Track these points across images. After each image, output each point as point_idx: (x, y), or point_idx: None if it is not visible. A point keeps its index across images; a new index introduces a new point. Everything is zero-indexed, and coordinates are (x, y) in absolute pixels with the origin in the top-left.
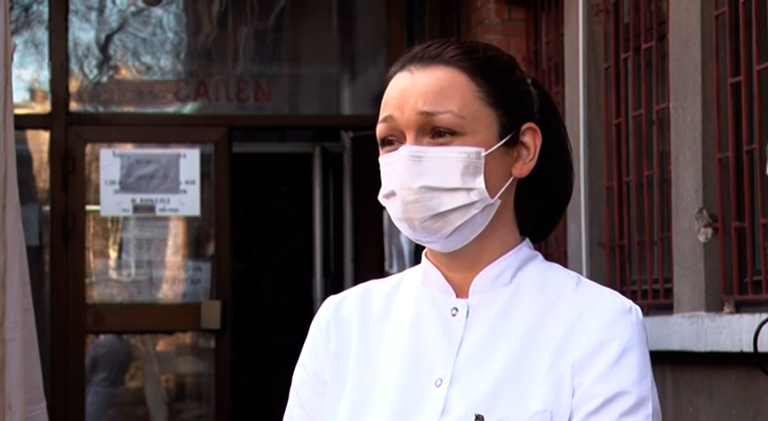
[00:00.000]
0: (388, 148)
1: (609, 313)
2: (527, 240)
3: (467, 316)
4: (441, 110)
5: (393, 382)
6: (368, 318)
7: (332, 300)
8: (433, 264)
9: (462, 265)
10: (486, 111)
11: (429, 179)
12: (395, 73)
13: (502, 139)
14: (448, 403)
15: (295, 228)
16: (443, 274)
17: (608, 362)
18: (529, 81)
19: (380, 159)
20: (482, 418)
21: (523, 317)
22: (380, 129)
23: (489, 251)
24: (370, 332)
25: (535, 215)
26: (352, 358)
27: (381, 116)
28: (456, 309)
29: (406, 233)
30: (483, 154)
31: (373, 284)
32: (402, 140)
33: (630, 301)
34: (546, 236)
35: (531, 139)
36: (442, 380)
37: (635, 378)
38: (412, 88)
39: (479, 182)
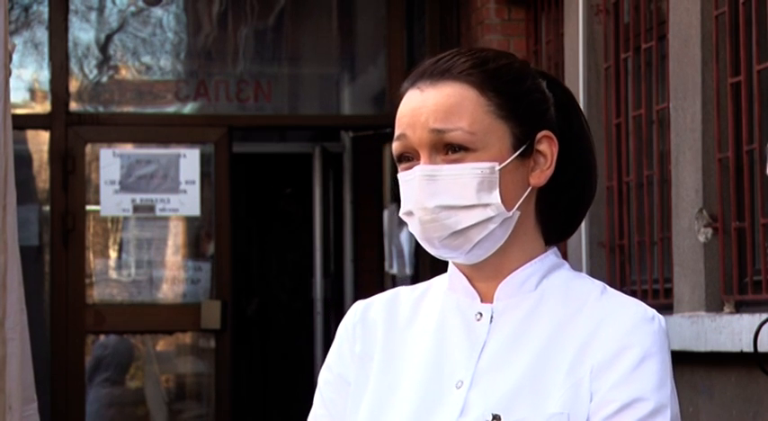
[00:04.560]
0: (404, 166)
1: (630, 320)
2: (554, 249)
3: (491, 321)
4: (451, 127)
5: (414, 384)
6: (394, 323)
7: (360, 305)
8: (459, 269)
9: (486, 275)
10: (498, 125)
11: (444, 198)
12: (406, 90)
13: (516, 151)
14: (467, 404)
15: (302, 230)
16: (469, 281)
17: (627, 368)
18: (544, 84)
19: (399, 176)
20: (499, 418)
21: (546, 323)
22: (395, 147)
23: (512, 260)
24: (396, 336)
25: (558, 218)
26: (375, 360)
27: (395, 134)
28: (480, 314)
29: (429, 251)
30: (497, 168)
31: (402, 290)
32: (417, 158)
33: (654, 311)
34: (567, 237)
35: (548, 147)
36: (462, 383)
37: (654, 385)
38: (422, 106)
39: (495, 196)
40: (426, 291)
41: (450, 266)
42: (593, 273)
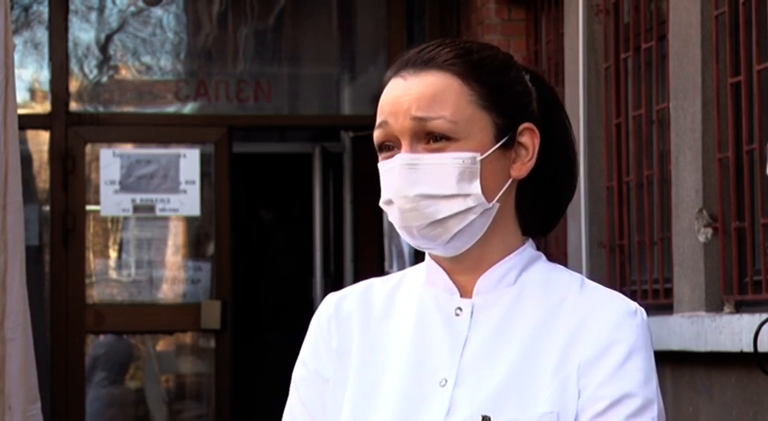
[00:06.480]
0: (385, 154)
1: (615, 315)
2: (530, 241)
3: (471, 316)
4: (433, 115)
5: (397, 382)
6: (370, 316)
7: (332, 297)
8: (437, 263)
9: (465, 268)
10: (481, 115)
11: (424, 187)
12: (389, 78)
13: (498, 142)
14: (453, 403)
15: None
16: (447, 274)
17: (614, 364)
18: (527, 77)
19: (379, 165)
20: (489, 419)
21: (528, 318)
22: (376, 135)
23: (491, 253)
24: (373, 330)
25: (538, 212)
26: (354, 356)
27: (377, 122)
28: (460, 309)
29: (407, 240)
30: (478, 158)
31: (375, 282)
32: (398, 146)
33: (635, 303)
34: (548, 232)
35: (530, 140)
36: (446, 381)
37: (641, 380)
38: (405, 94)
39: (476, 187)
40: (400, 283)
41: (428, 259)
42: (592, 273)
